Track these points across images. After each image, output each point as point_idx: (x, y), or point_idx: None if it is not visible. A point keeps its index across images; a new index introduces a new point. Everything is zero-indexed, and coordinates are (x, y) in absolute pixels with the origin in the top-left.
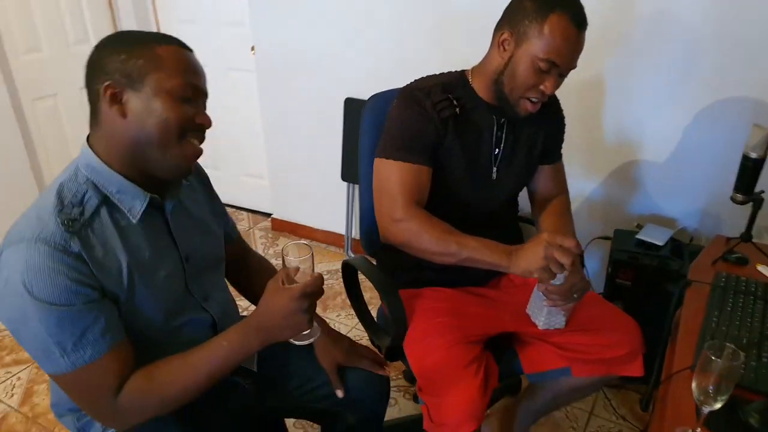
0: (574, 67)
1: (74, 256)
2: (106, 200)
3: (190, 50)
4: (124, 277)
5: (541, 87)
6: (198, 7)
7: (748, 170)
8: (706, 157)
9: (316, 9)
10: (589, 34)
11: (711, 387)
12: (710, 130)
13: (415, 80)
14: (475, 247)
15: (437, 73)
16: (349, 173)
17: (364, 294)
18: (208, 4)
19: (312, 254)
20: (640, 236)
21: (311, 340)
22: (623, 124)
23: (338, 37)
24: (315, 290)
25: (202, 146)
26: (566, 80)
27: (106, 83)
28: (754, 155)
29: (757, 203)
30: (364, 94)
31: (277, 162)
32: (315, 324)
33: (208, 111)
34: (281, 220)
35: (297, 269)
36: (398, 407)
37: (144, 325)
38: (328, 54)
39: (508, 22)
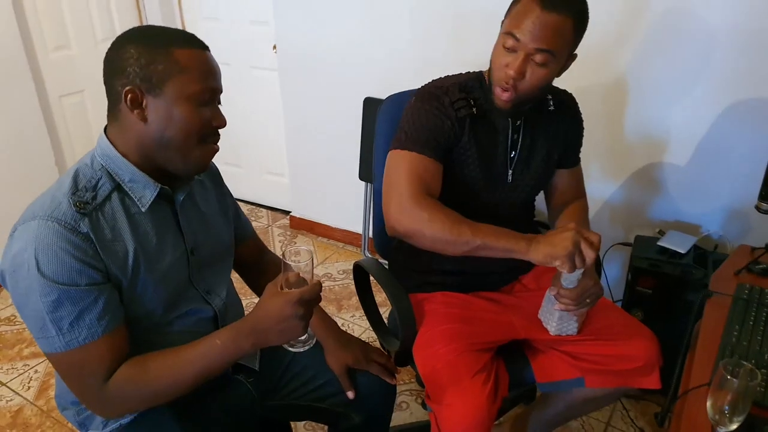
0: (542, 47)
1: (83, 237)
2: (118, 187)
3: (207, 49)
4: (129, 262)
5: (507, 68)
6: (222, 5)
7: None
8: (732, 160)
9: (338, 8)
10: (608, 34)
11: (726, 407)
12: (736, 132)
13: (433, 80)
14: (490, 233)
15: (456, 73)
16: (366, 173)
17: (376, 296)
18: (232, 2)
19: (312, 260)
20: (662, 243)
21: (305, 348)
22: (645, 126)
23: (359, 37)
24: (312, 297)
25: (220, 144)
26: (586, 82)
27: (127, 87)
28: None
29: None
30: (384, 94)
31: (298, 160)
32: (310, 332)
33: (230, 109)
34: (300, 218)
35: (297, 274)
36: (410, 411)
37: (144, 312)
38: (348, 53)
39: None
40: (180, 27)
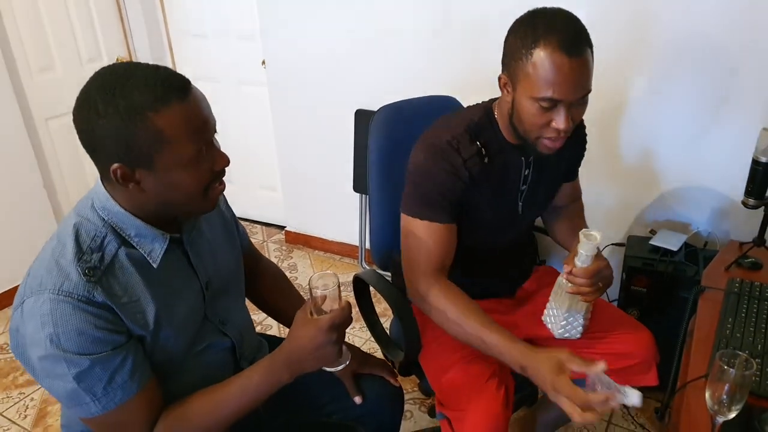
0: (584, 94)
1: (99, 305)
2: (124, 242)
3: (186, 90)
4: (149, 319)
5: (553, 125)
6: (209, 22)
7: (759, 174)
8: (717, 161)
9: (325, 22)
10: (604, 48)
11: (724, 397)
12: (721, 134)
13: (440, 123)
14: (495, 344)
15: (463, 110)
16: (360, 184)
17: (376, 307)
18: (218, 18)
19: (338, 282)
20: (654, 242)
21: (341, 366)
22: (636, 132)
23: (348, 49)
24: (343, 321)
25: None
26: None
27: (114, 166)
28: (763, 159)
29: None
30: (375, 106)
31: (290, 174)
32: (345, 350)
33: (221, 126)
34: (295, 233)
35: (324, 298)
36: (414, 420)
37: (166, 357)
38: (338, 66)
39: (503, 62)
40: (166, 45)
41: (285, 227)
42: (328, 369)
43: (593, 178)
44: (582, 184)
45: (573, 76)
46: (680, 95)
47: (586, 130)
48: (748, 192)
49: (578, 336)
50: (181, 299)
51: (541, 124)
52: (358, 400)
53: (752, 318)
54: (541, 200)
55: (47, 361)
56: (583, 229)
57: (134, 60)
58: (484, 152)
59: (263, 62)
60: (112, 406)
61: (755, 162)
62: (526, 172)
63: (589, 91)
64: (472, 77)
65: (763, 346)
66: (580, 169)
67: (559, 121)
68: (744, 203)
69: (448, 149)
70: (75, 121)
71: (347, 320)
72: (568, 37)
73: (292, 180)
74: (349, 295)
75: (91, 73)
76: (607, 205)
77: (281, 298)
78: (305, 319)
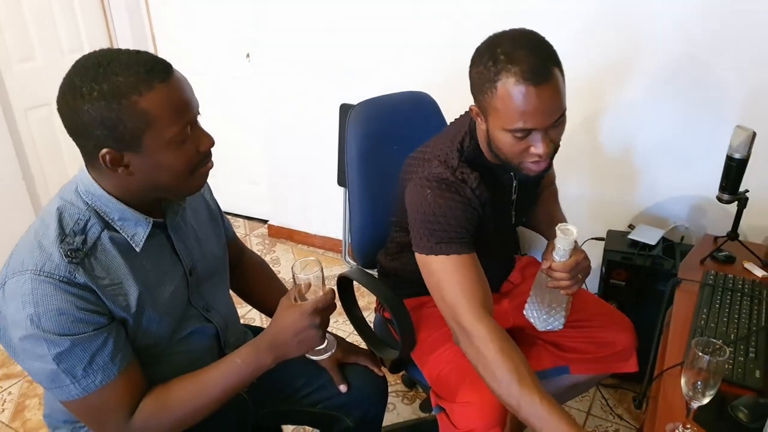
0: (558, 116)
1: (81, 287)
2: (107, 226)
3: (168, 73)
4: (132, 302)
5: (532, 150)
6: (192, 15)
7: (732, 170)
8: (693, 158)
9: (311, 14)
10: (589, 50)
11: (699, 382)
12: (697, 132)
13: (430, 153)
14: (541, 418)
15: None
16: (344, 178)
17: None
18: (202, 11)
19: (321, 269)
20: (633, 236)
21: (327, 354)
22: (616, 130)
23: (333, 43)
24: (326, 305)
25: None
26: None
27: (103, 151)
28: (737, 156)
29: (742, 202)
30: (359, 100)
31: (275, 168)
32: (331, 338)
33: (205, 119)
34: (278, 227)
35: (308, 285)
36: (396, 412)
37: (150, 342)
38: (323, 60)
39: (472, 93)
40: (149, 37)
41: (268, 221)
42: (313, 357)
43: (575, 175)
44: (564, 180)
45: (542, 105)
46: (659, 95)
47: (572, 129)
48: (723, 187)
49: (560, 327)
50: (164, 283)
51: (519, 152)
52: (343, 388)
53: (726, 309)
54: (529, 202)
55: (27, 341)
56: (560, 224)
57: None
58: (481, 178)
59: (248, 55)
60: (93, 389)
61: (729, 158)
62: (514, 183)
63: (564, 110)
64: (454, 65)
65: (735, 335)
66: (563, 168)
67: (538, 147)
68: (719, 198)
69: (455, 182)
70: (59, 108)
71: (331, 305)
72: (531, 64)
73: (276, 174)
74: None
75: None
76: (588, 200)
77: (265, 288)
78: (289, 304)
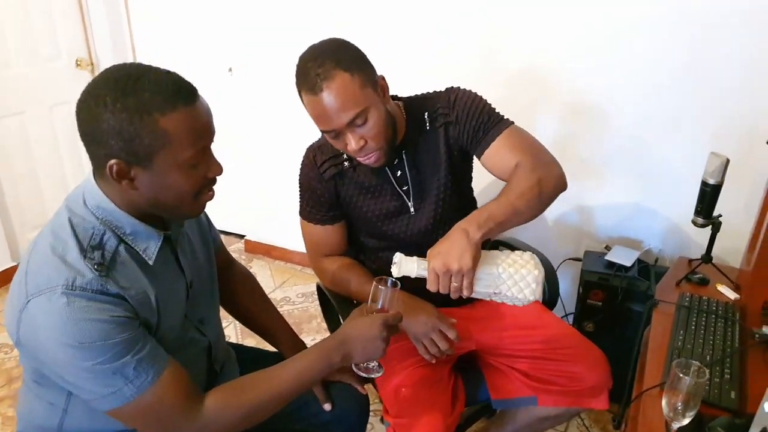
0: (351, 116)
1: (114, 296)
2: (121, 240)
3: (194, 97)
4: (155, 310)
5: (348, 148)
6: (173, 30)
7: (707, 195)
8: (669, 182)
9: (293, 30)
10: (561, 69)
11: (680, 404)
12: (672, 158)
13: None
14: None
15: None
16: None
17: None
18: (185, 22)
19: (398, 293)
20: (609, 257)
21: (375, 375)
22: (594, 154)
23: None
24: (394, 323)
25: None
26: (541, 107)
27: (111, 161)
28: (711, 181)
29: (716, 226)
30: None
31: (250, 183)
32: (381, 364)
33: None
34: (255, 242)
35: (378, 306)
36: (375, 431)
37: None
38: None
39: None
40: (130, 49)
41: (245, 236)
42: (362, 374)
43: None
44: None
45: (326, 109)
46: (635, 121)
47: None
48: (698, 212)
49: (540, 297)
50: (172, 295)
51: (343, 149)
52: (327, 407)
53: (701, 330)
54: (432, 199)
55: (72, 353)
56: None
57: (95, 61)
58: (345, 156)
59: (230, 69)
60: (147, 386)
61: (704, 184)
62: (399, 173)
63: (359, 109)
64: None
65: (711, 356)
66: None
67: (350, 142)
68: (694, 222)
69: (311, 154)
70: (79, 111)
71: (397, 325)
72: (312, 80)
73: (252, 189)
74: (312, 305)
75: (50, 72)
76: (566, 221)
77: (250, 299)
78: (362, 313)
